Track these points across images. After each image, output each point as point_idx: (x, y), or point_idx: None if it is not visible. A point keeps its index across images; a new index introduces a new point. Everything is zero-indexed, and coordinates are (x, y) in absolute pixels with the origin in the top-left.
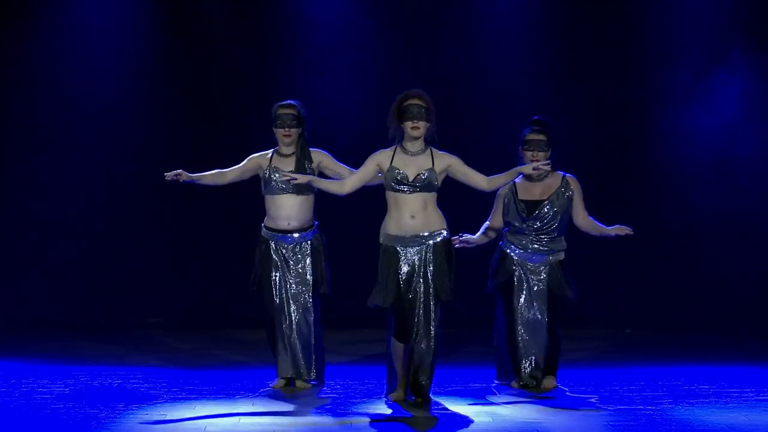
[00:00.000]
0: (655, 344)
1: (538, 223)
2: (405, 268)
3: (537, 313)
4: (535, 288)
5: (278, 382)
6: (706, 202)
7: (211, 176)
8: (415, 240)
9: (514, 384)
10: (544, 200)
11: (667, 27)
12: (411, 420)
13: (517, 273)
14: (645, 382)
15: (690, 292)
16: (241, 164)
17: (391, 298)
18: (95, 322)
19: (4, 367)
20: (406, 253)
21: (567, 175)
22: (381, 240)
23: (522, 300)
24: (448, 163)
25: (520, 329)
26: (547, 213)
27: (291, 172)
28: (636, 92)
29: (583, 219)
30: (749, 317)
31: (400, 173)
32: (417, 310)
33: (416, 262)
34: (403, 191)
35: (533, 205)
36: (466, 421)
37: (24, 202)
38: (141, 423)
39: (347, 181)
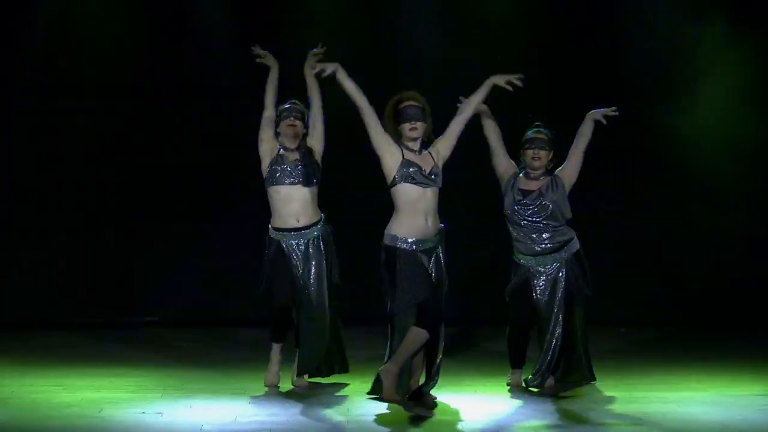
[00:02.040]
0: (649, 343)
1: (529, 209)
2: (427, 265)
3: (552, 314)
4: (552, 288)
5: (298, 380)
6: (698, 201)
7: (273, 92)
8: (430, 242)
9: (510, 383)
10: (536, 190)
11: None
12: (406, 418)
13: (533, 277)
14: (639, 380)
15: (684, 290)
16: (266, 128)
17: (424, 293)
18: (91, 321)
19: None
20: (424, 255)
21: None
22: (394, 243)
23: (539, 301)
24: (437, 149)
25: (535, 329)
26: (538, 197)
27: (297, 160)
28: (633, 90)
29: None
30: (744, 316)
31: (417, 166)
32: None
33: (430, 262)
34: (422, 185)
35: (527, 192)
36: (459, 419)
37: (17, 199)
38: (137, 421)
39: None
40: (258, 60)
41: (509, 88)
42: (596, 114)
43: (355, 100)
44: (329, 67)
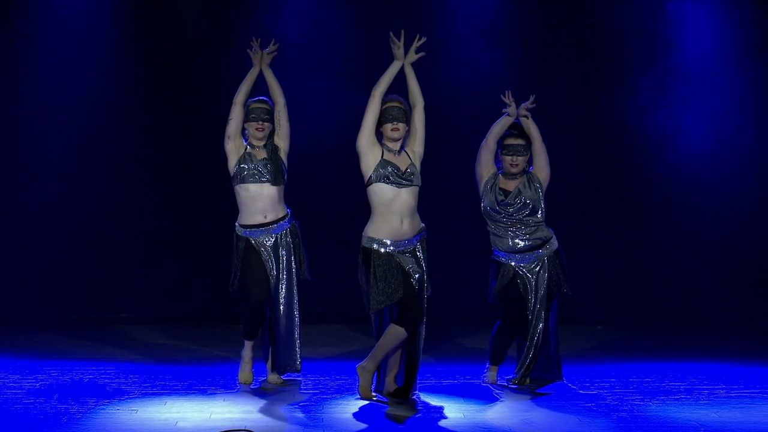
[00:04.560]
0: (626, 341)
1: (511, 208)
2: (405, 266)
3: (535, 311)
4: (535, 285)
5: (273, 377)
6: (679, 200)
7: (247, 90)
8: (407, 244)
9: (487, 380)
10: (515, 189)
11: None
12: (382, 415)
13: (518, 278)
14: (616, 378)
15: (661, 289)
16: (234, 125)
17: (400, 293)
18: (66, 317)
19: None
20: (401, 257)
21: (531, 169)
22: (370, 245)
23: (527, 298)
24: (412, 149)
25: (524, 330)
26: (517, 196)
27: (266, 158)
28: (620, 91)
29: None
30: (720, 315)
31: (394, 166)
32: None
33: (410, 263)
34: (398, 185)
35: (508, 192)
36: (436, 417)
37: None
38: (112, 418)
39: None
40: (248, 51)
41: (416, 53)
42: (523, 111)
43: (380, 87)
44: (399, 52)
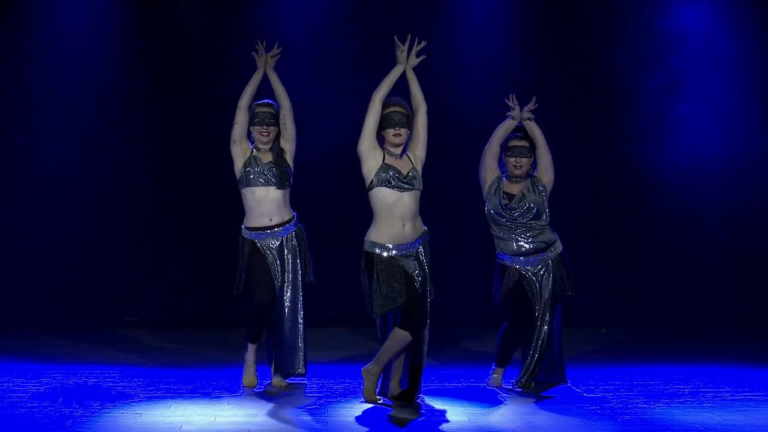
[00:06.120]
0: (630, 344)
1: (515, 213)
2: (409, 269)
3: (539, 314)
4: (539, 288)
5: (277, 381)
6: (682, 203)
7: (251, 93)
8: (410, 248)
9: (491, 383)
10: (519, 192)
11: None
12: (387, 419)
13: (524, 280)
14: (620, 381)
15: (665, 292)
16: (239, 129)
17: (403, 297)
18: (70, 321)
19: None
20: (404, 260)
21: (535, 172)
22: (372, 249)
23: (532, 304)
24: (414, 153)
25: (528, 334)
26: (521, 200)
27: (271, 161)
28: (625, 93)
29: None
30: (725, 317)
31: (396, 170)
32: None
33: (413, 266)
34: (399, 188)
35: (512, 196)
36: (440, 420)
37: None
38: (116, 422)
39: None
40: (253, 54)
41: (417, 56)
42: (526, 114)
43: (380, 91)
44: (402, 56)
